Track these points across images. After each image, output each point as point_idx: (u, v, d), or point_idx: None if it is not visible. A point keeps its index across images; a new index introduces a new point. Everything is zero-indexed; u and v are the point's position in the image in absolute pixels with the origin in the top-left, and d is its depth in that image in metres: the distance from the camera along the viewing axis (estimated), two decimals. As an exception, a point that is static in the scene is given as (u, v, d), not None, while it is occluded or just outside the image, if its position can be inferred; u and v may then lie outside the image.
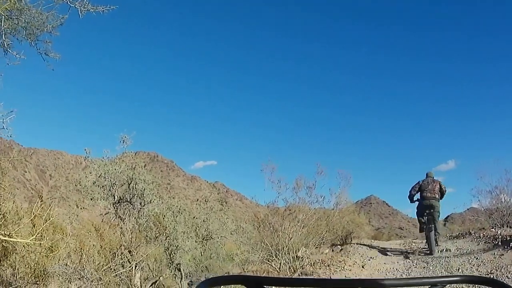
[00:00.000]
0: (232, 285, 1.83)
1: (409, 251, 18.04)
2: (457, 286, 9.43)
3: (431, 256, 16.42)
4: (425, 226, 16.15)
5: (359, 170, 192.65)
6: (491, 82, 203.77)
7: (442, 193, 16.33)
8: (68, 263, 12.29)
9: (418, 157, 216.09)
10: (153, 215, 15.63)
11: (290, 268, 14.19)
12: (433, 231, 16.03)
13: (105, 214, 14.75)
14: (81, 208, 15.32)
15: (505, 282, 8.65)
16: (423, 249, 17.42)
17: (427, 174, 16.74)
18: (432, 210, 15.94)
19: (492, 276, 12.62)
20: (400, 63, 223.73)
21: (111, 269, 12.85)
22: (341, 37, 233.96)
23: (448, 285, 1.79)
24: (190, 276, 17.86)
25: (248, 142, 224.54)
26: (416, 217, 17.17)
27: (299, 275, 13.95)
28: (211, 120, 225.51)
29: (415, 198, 16.47)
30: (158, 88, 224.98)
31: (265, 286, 1.68)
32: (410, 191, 16.46)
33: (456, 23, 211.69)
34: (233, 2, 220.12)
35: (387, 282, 1.61)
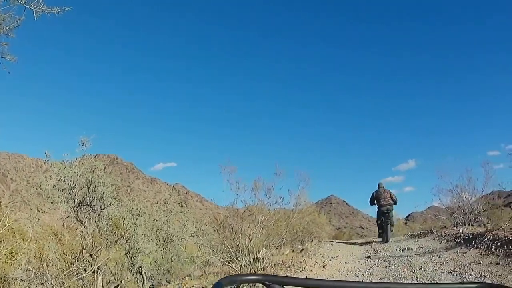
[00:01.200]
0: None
1: (367, 241, 20.74)
2: None
3: (393, 256, 16.72)
4: (382, 225, 20.54)
5: (319, 170, 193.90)
6: (451, 80, 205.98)
7: (393, 200, 20.46)
8: (29, 268, 12.19)
9: (378, 157, 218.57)
10: (113, 218, 15.58)
11: (250, 270, 14.23)
12: (388, 225, 20.23)
13: (65, 218, 14.67)
14: (42, 212, 15.17)
15: (469, 279, 8.95)
16: (379, 240, 21.32)
17: (378, 185, 21.00)
18: (387, 213, 20.16)
19: (455, 273, 12.86)
20: (362, 59, 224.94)
21: (73, 273, 12.80)
22: (300, 31, 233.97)
23: None
24: (152, 279, 17.82)
25: (208, 142, 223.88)
26: (376, 219, 21.50)
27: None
28: (170, 121, 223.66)
29: (374, 204, 20.90)
30: (117, 89, 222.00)
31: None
32: (370, 201, 21.13)
33: (420, 13, 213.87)
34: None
35: (394, 286, 1.72)
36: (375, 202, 20.72)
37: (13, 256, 11.91)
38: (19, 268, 11.87)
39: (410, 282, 12.32)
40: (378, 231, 21.56)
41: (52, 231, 14.19)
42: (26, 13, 7.85)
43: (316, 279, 1.80)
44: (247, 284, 1.63)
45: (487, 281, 11.53)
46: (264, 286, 1.67)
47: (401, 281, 12.79)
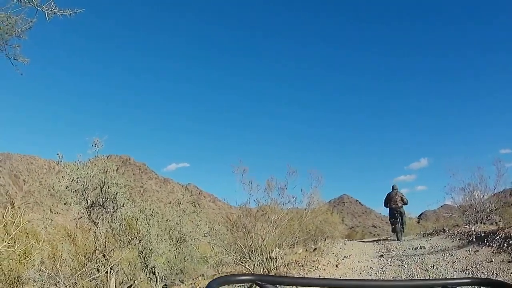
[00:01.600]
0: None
1: (380, 239, 21.77)
2: None
3: (406, 255, 16.69)
4: (394, 223, 22.34)
5: (332, 169, 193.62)
6: (462, 80, 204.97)
7: (404, 202, 22.26)
8: (42, 269, 12.21)
9: (390, 156, 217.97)
10: (126, 218, 15.59)
11: (264, 269, 14.23)
12: (399, 224, 21.91)
13: (78, 219, 14.69)
14: (55, 213, 15.22)
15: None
16: (392, 238, 23.12)
17: (392, 187, 22.86)
18: (398, 214, 21.95)
19: (467, 272, 12.80)
20: (373, 59, 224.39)
21: (86, 273, 12.81)
22: (311, 34, 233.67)
23: (458, 287, 1.81)
24: (165, 279, 17.83)
25: (220, 142, 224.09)
26: (388, 218, 23.37)
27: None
28: (183, 121, 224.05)
29: (387, 206, 22.65)
30: (130, 90, 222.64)
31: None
32: (384, 203, 22.99)
33: (436, 16, 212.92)
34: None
35: (395, 283, 1.67)
36: (388, 204, 22.46)
37: (27, 257, 11.94)
38: (33, 269, 11.89)
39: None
40: (392, 228, 23.36)
41: (66, 232, 14.24)
42: (38, 15, 7.88)
43: (309, 277, 1.80)
44: (242, 284, 1.58)
45: (499, 279, 11.48)
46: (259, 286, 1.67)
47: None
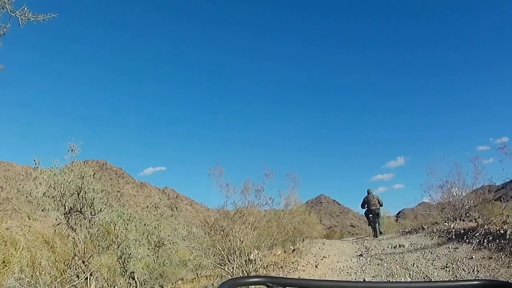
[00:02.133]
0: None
1: (358, 238, 23.64)
2: None
3: (385, 253, 16.89)
4: (372, 222, 25.01)
5: (308, 169, 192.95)
6: (437, 76, 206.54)
7: (380, 204, 25.14)
8: (22, 277, 12.15)
9: (367, 155, 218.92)
10: (104, 224, 15.57)
11: (243, 272, 14.27)
12: (377, 223, 24.48)
13: (57, 225, 14.64)
14: (33, 220, 15.13)
15: (462, 275, 8.95)
16: (370, 238, 24.68)
17: (368, 191, 25.44)
18: (375, 213, 24.71)
19: (448, 269, 12.94)
20: (348, 57, 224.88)
21: (66, 280, 12.78)
22: (279, 30, 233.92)
23: None
24: (144, 284, 17.81)
25: (197, 145, 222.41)
26: (365, 216, 26.36)
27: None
28: (158, 125, 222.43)
29: (365, 207, 25.47)
30: (104, 94, 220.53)
31: None
32: (361, 205, 25.71)
33: (407, 9, 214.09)
34: None
35: (401, 285, 1.73)
36: (366, 206, 25.18)
37: (6, 265, 11.87)
38: (12, 277, 11.83)
39: (409, 280, 12.48)
40: (372, 227, 25.39)
41: (44, 239, 14.17)
42: (12, 20, 7.90)
43: (319, 279, 1.82)
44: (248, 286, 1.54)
45: (480, 276, 11.63)
46: None
47: (394, 278, 12.90)
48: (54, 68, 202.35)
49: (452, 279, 11.60)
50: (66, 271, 12.89)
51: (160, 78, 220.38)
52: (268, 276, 1.66)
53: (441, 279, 11.69)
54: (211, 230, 15.84)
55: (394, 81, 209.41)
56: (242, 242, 14.72)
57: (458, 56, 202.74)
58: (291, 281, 1.71)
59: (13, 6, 7.79)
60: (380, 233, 24.24)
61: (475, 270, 12.24)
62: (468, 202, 22.26)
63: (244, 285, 1.66)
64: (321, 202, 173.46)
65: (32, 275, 12.19)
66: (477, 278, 9.51)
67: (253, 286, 1.79)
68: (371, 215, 24.79)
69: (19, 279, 11.80)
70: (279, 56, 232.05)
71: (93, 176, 16.05)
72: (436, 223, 23.25)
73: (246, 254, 14.87)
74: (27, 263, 12.57)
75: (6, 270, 11.58)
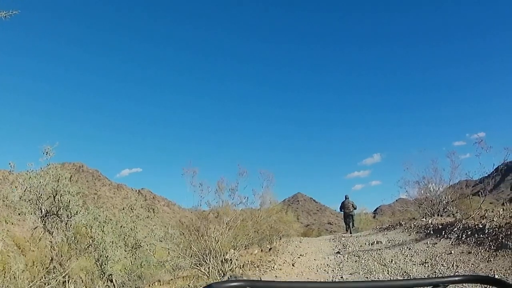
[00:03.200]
0: None
1: (336, 235, 28.07)
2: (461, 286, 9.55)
3: (362, 250, 17.04)
4: (348, 223, 29.30)
5: (284, 168, 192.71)
6: (411, 72, 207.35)
7: (354, 207, 30.05)
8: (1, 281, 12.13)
9: (343, 152, 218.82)
10: (80, 226, 15.58)
11: (219, 272, 14.31)
12: (351, 223, 29.12)
13: (34, 229, 14.64)
14: (10, 224, 15.13)
15: (441, 270, 9.07)
16: (346, 234, 26.72)
17: (345, 196, 30.23)
18: (349, 215, 29.41)
19: (426, 265, 13.12)
20: (321, 54, 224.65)
21: (43, 284, 12.78)
22: (247, 28, 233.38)
23: (451, 285, 1.85)
24: (123, 286, 17.82)
25: (171, 145, 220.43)
26: (343, 219, 31.08)
27: (228, 277, 13.95)
28: (134, 126, 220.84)
29: (342, 210, 30.14)
30: (80, 94, 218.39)
31: None
32: (339, 208, 30.57)
33: (384, 5, 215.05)
34: None
35: (385, 284, 1.80)
36: (342, 209, 29.82)
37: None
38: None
39: (388, 277, 12.62)
40: (346, 227, 29.92)
41: (20, 243, 14.18)
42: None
43: (301, 281, 1.84)
44: None
45: (460, 271, 11.82)
46: None
47: (372, 275, 13.04)
48: (27, 67, 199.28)
49: (431, 275, 11.79)
50: (43, 275, 12.90)
51: (135, 78, 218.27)
52: (249, 279, 1.64)
53: (420, 276, 11.86)
54: (186, 231, 15.87)
55: (370, 77, 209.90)
56: (217, 242, 14.77)
57: (434, 52, 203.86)
58: (272, 284, 1.70)
59: None
60: (351, 231, 27.96)
61: (454, 265, 12.42)
62: (445, 198, 22.54)
63: None
64: (298, 201, 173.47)
65: (5, 280, 12.17)
66: (462, 274, 9.68)
67: None
68: (346, 216, 29.67)
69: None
70: (251, 54, 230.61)
71: (70, 179, 16.07)
72: (414, 219, 23.52)
73: (222, 254, 14.92)
74: (3, 268, 12.56)
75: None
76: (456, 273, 11.36)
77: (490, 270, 10.91)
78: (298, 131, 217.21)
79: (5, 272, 12.73)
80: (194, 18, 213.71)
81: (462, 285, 8.71)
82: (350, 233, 27.16)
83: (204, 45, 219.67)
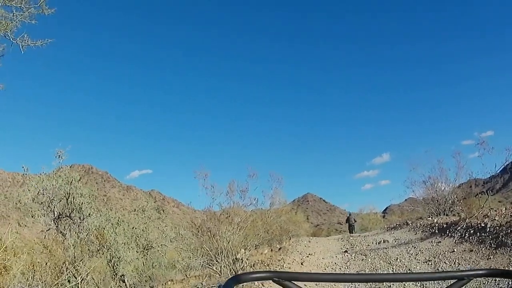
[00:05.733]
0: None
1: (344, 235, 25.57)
2: (484, 279, 9.64)
3: (369, 249, 17.20)
4: (351, 231, 37.91)
5: (294, 168, 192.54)
6: (421, 70, 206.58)
7: (355, 221, 40.18)
8: (21, 281, 12.24)
9: (352, 152, 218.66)
10: (93, 228, 15.72)
11: (231, 271, 14.46)
12: (353, 231, 37.66)
13: (46, 231, 14.79)
14: (23, 226, 15.29)
15: (443, 268, 9.19)
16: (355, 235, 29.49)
17: (349, 213, 42.31)
18: (353, 226, 38.97)
19: (430, 263, 13.24)
20: (329, 53, 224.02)
21: (59, 285, 12.90)
22: (259, 29, 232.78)
23: (475, 278, 1.86)
24: (135, 287, 17.96)
25: (182, 147, 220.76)
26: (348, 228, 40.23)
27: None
28: (144, 127, 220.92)
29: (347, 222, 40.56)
30: (88, 97, 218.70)
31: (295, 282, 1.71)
32: (345, 221, 42.26)
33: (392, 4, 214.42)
34: None
35: (411, 276, 1.82)
36: (348, 222, 40.51)
37: (7, 270, 11.97)
38: (12, 283, 11.91)
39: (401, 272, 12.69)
40: (349, 231, 38.65)
41: (41, 245, 14.27)
42: (14, 47, 8.43)
43: (325, 273, 1.85)
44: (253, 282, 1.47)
45: (460, 268, 11.92)
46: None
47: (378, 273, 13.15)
48: (39, 74, 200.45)
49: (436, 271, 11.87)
50: (59, 276, 13.03)
51: (143, 81, 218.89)
52: (275, 271, 1.70)
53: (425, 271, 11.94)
54: (198, 232, 16.03)
55: (379, 76, 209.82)
56: (229, 242, 14.92)
57: (442, 50, 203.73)
58: (297, 275, 1.72)
59: (14, 34, 8.28)
60: (354, 232, 36.79)
61: (456, 262, 12.56)
62: (451, 197, 22.61)
63: (251, 280, 1.69)
64: (308, 201, 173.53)
65: (29, 280, 12.29)
66: (485, 268, 9.73)
67: (258, 282, 1.74)
68: (350, 226, 39.58)
69: (19, 282, 11.94)
70: (260, 55, 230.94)
71: (79, 180, 16.21)
72: (421, 218, 23.63)
73: (233, 254, 15.06)
74: (22, 270, 12.68)
75: (8, 274, 11.72)
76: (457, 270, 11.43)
77: (489, 267, 10.99)
78: (307, 131, 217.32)
79: (34, 270, 12.84)
80: (202, 21, 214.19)
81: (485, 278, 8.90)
82: (353, 232, 36.87)
83: (213, 47, 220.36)
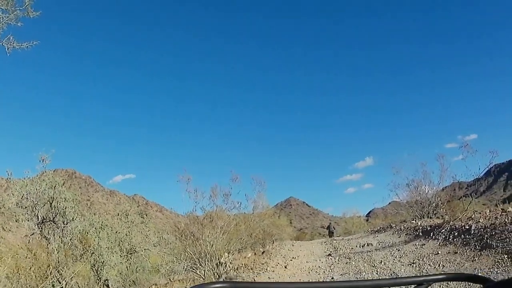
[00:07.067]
0: None
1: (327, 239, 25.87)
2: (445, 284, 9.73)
3: (353, 252, 17.38)
4: (329, 235, 40.44)
5: (277, 173, 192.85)
6: (403, 74, 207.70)
7: (334, 228, 45.14)
8: (6, 285, 12.23)
9: (335, 156, 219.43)
10: (76, 232, 15.72)
11: (214, 275, 14.51)
12: (333, 234, 41.88)
13: (30, 235, 14.79)
14: (7, 231, 15.25)
15: (428, 269, 9.35)
16: (339, 236, 31.59)
17: (330, 222, 48.55)
18: (332, 233, 42.73)
19: (414, 265, 13.40)
20: (311, 56, 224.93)
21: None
22: (239, 33, 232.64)
23: (434, 283, 1.83)
24: (118, 292, 17.96)
25: (164, 151, 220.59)
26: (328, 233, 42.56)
27: (223, 279, 14.14)
28: (127, 132, 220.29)
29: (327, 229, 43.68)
30: (72, 101, 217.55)
31: None
32: (326, 228, 47.46)
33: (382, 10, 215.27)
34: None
35: (369, 283, 1.84)
36: (328, 229, 44.85)
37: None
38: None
39: (377, 277, 12.81)
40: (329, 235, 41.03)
41: (11, 250, 14.24)
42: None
43: (284, 282, 1.80)
44: None
45: (445, 270, 12.08)
46: None
47: (361, 276, 13.28)
48: (23, 77, 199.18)
49: (417, 274, 12.05)
50: (43, 281, 13.03)
51: (128, 86, 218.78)
52: (233, 281, 1.72)
53: (407, 275, 12.11)
54: (181, 236, 16.08)
55: (361, 81, 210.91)
56: (212, 246, 14.99)
57: (426, 55, 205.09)
58: (255, 285, 1.77)
59: (0, 36, 8.32)
60: (334, 237, 38.62)
61: (440, 265, 12.70)
62: (435, 200, 22.82)
63: None
64: (291, 205, 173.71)
65: (17, 282, 12.27)
66: (445, 272, 9.83)
67: None
68: (330, 232, 43.28)
69: (5, 286, 11.93)
70: (243, 58, 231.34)
71: (63, 185, 16.22)
72: (405, 221, 23.83)
73: (217, 258, 15.14)
74: (12, 271, 12.66)
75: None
76: (440, 272, 11.58)
77: (474, 269, 11.15)
78: (290, 136, 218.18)
79: (19, 274, 12.82)
80: (185, 23, 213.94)
81: (447, 283, 9.04)
82: (332, 237, 39.29)
83: (197, 50, 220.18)
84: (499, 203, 23.04)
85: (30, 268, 13.34)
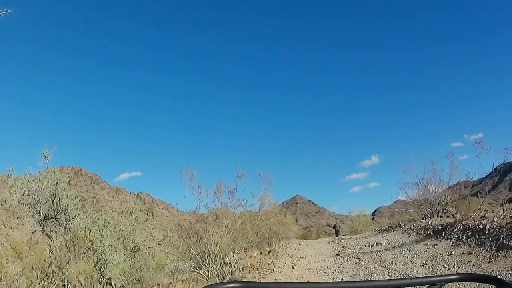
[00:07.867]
0: None
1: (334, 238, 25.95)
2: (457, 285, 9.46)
3: (362, 252, 17.07)
4: (336, 234, 44.39)
5: (283, 171, 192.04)
6: (409, 73, 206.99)
7: (340, 227, 51.19)
8: (7, 282, 12.02)
9: (341, 154, 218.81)
10: (79, 230, 15.48)
11: (218, 275, 14.22)
12: (339, 233, 46.69)
13: (32, 233, 14.55)
14: (10, 228, 15.02)
15: (442, 271, 8.98)
16: (345, 235, 32.43)
17: (336, 222, 71.10)
18: (338, 232, 47.50)
19: (427, 266, 13.09)
20: (318, 56, 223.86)
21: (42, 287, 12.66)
22: (246, 32, 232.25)
23: (448, 283, 1.81)
24: (122, 290, 17.70)
25: (171, 149, 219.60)
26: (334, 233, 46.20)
27: (228, 280, 13.87)
28: (134, 130, 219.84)
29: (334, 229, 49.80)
30: (78, 100, 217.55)
31: None
32: (333, 227, 56.54)
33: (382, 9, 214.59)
34: None
35: (381, 283, 1.76)
36: (334, 228, 49.24)
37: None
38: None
39: (388, 278, 12.49)
40: (335, 235, 43.23)
41: (14, 247, 14.04)
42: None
43: (296, 282, 1.75)
44: None
45: (461, 271, 11.75)
46: None
47: (372, 277, 12.95)
48: (27, 75, 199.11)
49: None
50: (42, 279, 12.80)
51: (134, 84, 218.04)
52: (245, 281, 1.64)
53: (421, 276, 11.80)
54: (186, 234, 15.79)
55: (368, 80, 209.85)
56: (216, 245, 14.70)
57: (432, 53, 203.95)
58: (267, 285, 1.70)
59: None
60: (338, 236, 41.34)
61: (455, 266, 12.38)
62: (445, 198, 22.54)
63: None
64: (297, 203, 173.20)
65: (19, 281, 12.06)
66: (458, 273, 9.56)
67: None
68: (336, 231, 46.89)
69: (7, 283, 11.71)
70: (249, 57, 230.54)
71: (69, 182, 15.97)
72: (413, 220, 23.52)
73: (221, 257, 14.85)
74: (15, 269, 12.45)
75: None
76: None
77: (492, 270, 10.88)
78: (296, 134, 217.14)
79: (1, 276, 12.60)
80: (190, 22, 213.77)
81: (461, 284, 8.72)
82: (338, 236, 41.21)
83: (202, 49, 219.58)
84: (505, 203, 22.80)
85: (32, 266, 13.12)
